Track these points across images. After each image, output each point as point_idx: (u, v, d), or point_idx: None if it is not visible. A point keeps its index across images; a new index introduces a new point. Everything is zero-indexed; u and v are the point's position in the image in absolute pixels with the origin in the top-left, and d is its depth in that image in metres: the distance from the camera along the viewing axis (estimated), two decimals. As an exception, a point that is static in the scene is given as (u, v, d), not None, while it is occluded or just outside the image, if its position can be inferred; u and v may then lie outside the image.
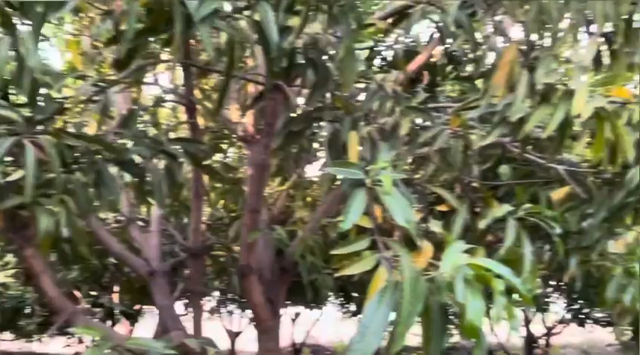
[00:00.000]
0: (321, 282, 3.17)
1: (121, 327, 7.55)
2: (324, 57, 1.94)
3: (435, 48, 3.29)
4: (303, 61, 1.94)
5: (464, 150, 2.05)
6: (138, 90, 2.95)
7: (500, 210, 2.00)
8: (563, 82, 1.71)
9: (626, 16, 1.77)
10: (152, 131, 3.66)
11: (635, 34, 1.82)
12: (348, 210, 1.66)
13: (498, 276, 1.59)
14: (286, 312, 11.04)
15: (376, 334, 1.47)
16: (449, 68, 3.76)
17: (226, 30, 1.65)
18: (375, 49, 3.93)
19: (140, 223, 4.28)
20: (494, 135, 1.84)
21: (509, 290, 1.72)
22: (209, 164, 2.79)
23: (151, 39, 1.97)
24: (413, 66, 3.19)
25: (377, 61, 4.03)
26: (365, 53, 4.07)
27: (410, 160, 3.45)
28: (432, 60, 3.68)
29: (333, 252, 1.77)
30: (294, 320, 11.33)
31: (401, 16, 2.35)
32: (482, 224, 1.99)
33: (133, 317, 6.71)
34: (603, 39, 1.96)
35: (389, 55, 3.96)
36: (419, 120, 2.43)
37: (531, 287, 2.04)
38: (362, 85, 3.19)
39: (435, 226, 1.68)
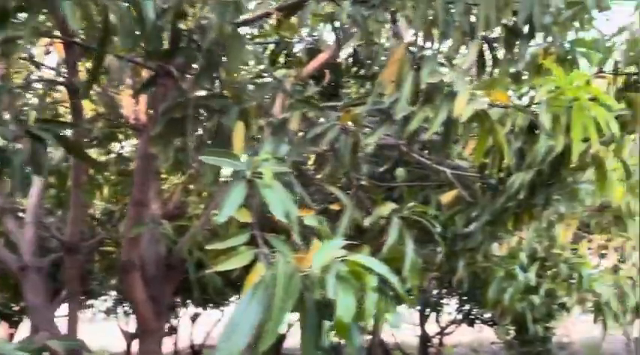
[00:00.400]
0: (209, 280, 3.04)
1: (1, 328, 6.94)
2: (212, 42, 1.84)
3: (337, 47, 3.28)
4: (189, 45, 1.83)
5: (353, 149, 2.02)
6: (8, 66, 2.67)
7: (385, 208, 1.99)
8: (448, 84, 1.73)
9: (508, 23, 1.84)
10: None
11: (515, 42, 1.90)
12: (224, 202, 1.57)
13: (374, 273, 1.56)
14: (186, 313, 10.73)
15: (244, 333, 1.39)
16: (353, 68, 3.78)
17: (98, 4, 1.51)
18: (279, 44, 3.87)
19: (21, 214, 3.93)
20: (380, 133, 1.82)
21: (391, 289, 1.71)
22: (84, 151, 2.58)
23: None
24: (314, 64, 3.15)
25: (282, 59, 3.97)
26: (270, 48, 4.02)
27: (312, 158, 3.43)
28: (339, 60, 3.69)
29: (209, 246, 1.67)
30: (193, 321, 11.01)
31: (296, 8, 2.29)
32: (366, 222, 1.97)
33: (10, 318, 6.16)
34: (486, 44, 2.01)
35: (296, 51, 3.92)
36: (314, 117, 2.38)
37: (412, 285, 2.04)
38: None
39: (312, 221, 1.62)
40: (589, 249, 4.46)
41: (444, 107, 1.64)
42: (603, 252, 4.58)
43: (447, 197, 3.11)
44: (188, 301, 8.54)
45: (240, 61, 1.84)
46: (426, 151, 3.34)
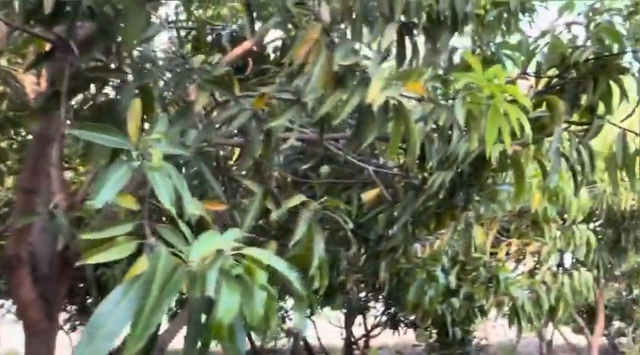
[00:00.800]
0: (110, 277, 2.77)
1: None
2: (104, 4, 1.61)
3: (262, 35, 3.10)
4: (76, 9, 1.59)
5: (266, 137, 1.85)
6: None
7: (294, 200, 1.82)
8: (363, 68, 1.60)
9: (429, 11, 1.74)
10: None
11: (436, 31, 1.80)
12: (100, 185, 1.35)
13: (272, 270, 1.39)
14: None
15: (109, 336, 1.18)
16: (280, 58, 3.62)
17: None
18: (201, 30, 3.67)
19: None
20: (287, 117, 1.66)
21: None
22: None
23: None
24: (237, 51, 2.96)
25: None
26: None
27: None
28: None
29: (84, 236, 1.44)
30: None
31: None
32: (274, 215, 1.80)
33: None
34: (406, 31, 1.90)
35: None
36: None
37: (321, 285, 1.89)
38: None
39: (196, 209, 1.43)
40: (507, 253, 4.51)
41: (357, 92, 1.50)
42: (520, 257, 4.64)
43: (368, 195, 3.00)
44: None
45: (138, 30, 1.62)
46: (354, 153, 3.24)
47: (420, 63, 2.00)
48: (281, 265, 1.40)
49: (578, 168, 2.41)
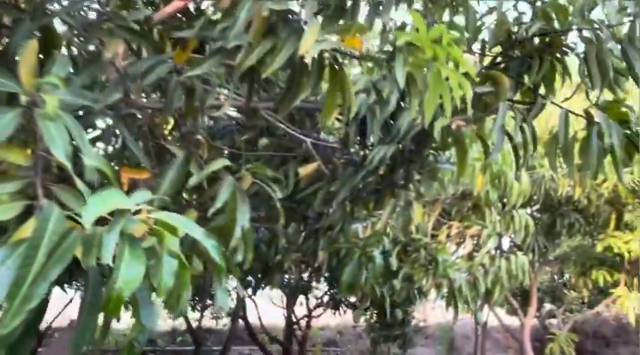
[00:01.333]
0: None
1: None
2: None
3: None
4: None
5: (188, 94, 1.67)
6: None
7: (217, 164, 1.66)
8: (297, 18, 1.44)
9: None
10: None
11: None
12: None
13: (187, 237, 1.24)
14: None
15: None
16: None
17: None
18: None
19: None
20: (209, 65, 1.49)
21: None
22: None
23: None
24: (168, 9, 2.73)
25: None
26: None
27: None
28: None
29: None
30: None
31: None
32: (193, 180, 1.64)
33: None
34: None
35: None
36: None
37: (246, 259, 1.74)
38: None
39: (94, 162, 1.25)
40: (448, 236, 4.51)
41: (289, 42, 1.35)
42: (461, 239, 4.65)
43: (305, 170, 2.86)
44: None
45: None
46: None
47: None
48: (196, 231, 1.24)
49: (521, 146, 2.35)
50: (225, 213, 1.63)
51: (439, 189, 4.90)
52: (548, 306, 12.29)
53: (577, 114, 2.43)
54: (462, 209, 4.91)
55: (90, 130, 2.03)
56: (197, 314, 10.93)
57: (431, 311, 15.44)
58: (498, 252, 4.62)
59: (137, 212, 1.19)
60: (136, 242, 1.11)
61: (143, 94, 2.55)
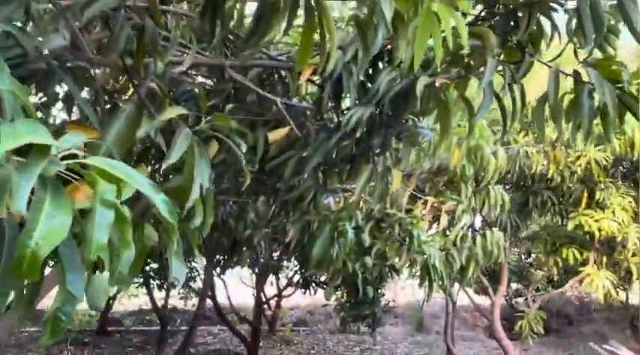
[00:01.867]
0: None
1: None
2: None
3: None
4: None
5: (139, 34, 1.43)
6: None
7: (169, 112, 1.42)
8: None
9: None
10: None
11: None
12: None
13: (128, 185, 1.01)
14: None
15: None
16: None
17: None
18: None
19: None
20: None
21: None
22: None
23: None
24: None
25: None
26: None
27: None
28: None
29: None
30: None
31: None
32: (141, 131, 1.40)
33: None
34: None
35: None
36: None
37: (206, 225, 1.52)
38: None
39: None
40: (423, 211, 4.36)
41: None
42: (436, 214, 4.51)
43: (275, 135, 2.64)
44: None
45: None
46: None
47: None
48: (141, 181, 1.01)
49: (509, 106, 2.18)
50: (182, 173, 1.40)
51: (415, 162, 4.75)
52: (514, 286, 12.44)
53: (566, 74, 2.27)
54: (436, 184, 4.77)
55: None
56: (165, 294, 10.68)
57: (400, 291, 15.51)
58: (471, 229, 4.49)
59: (67, 157, 0.96)
60: (60, 188, 0.88)
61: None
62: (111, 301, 11.33)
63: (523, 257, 13.11)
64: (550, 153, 5.47)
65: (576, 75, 2.25)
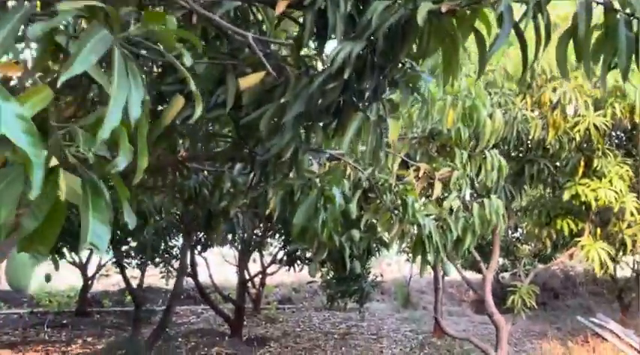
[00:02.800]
0: None
1: None
2: None
3: None
4: None
5: None
6: None
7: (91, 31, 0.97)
8: None
9: None
10: None
11: None
12: None
13: None
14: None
15: None
16: None
17: None
18: None
19: None
20: None
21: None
22: None
23: None
24: None
25: None
26: None
27: None
28: None
29: None
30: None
31: None
32: (32, 31, 0.97)
33: None
34: None
35: None
36: None
37: (127, 160, 1.08)
38: None
39: None
40: (416, 178, 3.97)
41: None
42: (429, 182, 4.11)
43: (248, 81, 2.20)
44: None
45: None
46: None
47: None
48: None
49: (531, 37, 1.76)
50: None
51: (406, 126, 4.34)
52: (500, 260, 12.22)
53: (597, 1, 1.85)
54: (429, 150, 4.37)
55: None
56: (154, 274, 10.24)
57: (386, 267, 15.26)
58: (466, 197, 4.11)
59: None
60: None
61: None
62: (89, 281, 10.89)
63: (510, 231, 12.90)
64: (550, 117, 5.09)
65: (608, 3, 1.83)
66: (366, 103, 2.07)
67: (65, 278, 12.35)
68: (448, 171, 4.10)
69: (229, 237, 8.82)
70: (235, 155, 3.32)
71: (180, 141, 3.63)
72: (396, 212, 3.58)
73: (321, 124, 2.30)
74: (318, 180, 2.90)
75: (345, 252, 4.12)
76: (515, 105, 5.08)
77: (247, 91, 2.26)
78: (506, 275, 13.31)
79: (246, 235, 7.58)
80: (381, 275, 10.50)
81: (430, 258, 3.50)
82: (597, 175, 5.90)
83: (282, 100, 2.06)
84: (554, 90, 5.10)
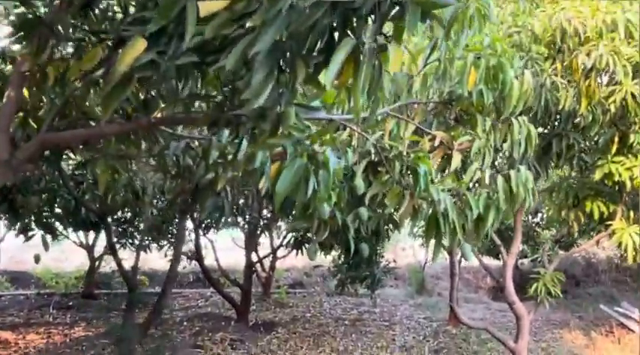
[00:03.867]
0: None
1: None
2: None
3: None
4: None
5: None
6: None
7: None
8: None
9: None
10: None
11: None
12: None
13: None
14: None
15: None
16: None
17: None
18: None
19: None
20: None
21: None
22: None
23: None
24: None
25: None
26: None
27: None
28: None
29: None
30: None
31: None
32: None
33: None
34: None
35: None
36: None
37: None
38: None
39: None
40: (431, 149, 3.41)
41: None
42: (446, 154, 3.55)
43: (209, 6, 1.67)
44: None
45: None
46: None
47: None
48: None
49: None
50: None
51: (420, 89, 3.77)
52: (520, 246, 11.58)
53: None
54: (447, 117, 3.80)
55: None
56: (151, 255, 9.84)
57: (401, 252, 14.68)
58: (487, 172, 3.53)
59: None
60: None
61: None
62: (96, 263, 10.55)
63: (530, 216, 12.22)
64: (582, 84, 4.45)
65: None
66: (363, 23, 1.52)
67: (74, 261, 12.07)
68: (468, 142, 3.54)
69: (237, 219, 8.36)
70: (219, 117, 2.80)
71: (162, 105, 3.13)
72: (407, 185, 3.04)
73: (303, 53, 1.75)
74: (309, 141, 2.36)
75: (348, 231, 3.60)
76: (544, 71, 4.46)
77: (212, 24, 1.73)
78: (526, 261, 12.68)
79: (251, 217, 7.09)
80: (394, 261, 9.97)
81: (446, 240, 2.96)
82: (633, 152, 5.26)
83: (249, 24, 1.52)
84: (589, 54, 4.46)
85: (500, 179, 3.29)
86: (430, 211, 3.11)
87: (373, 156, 3.39)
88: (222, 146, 3.23)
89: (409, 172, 2.94)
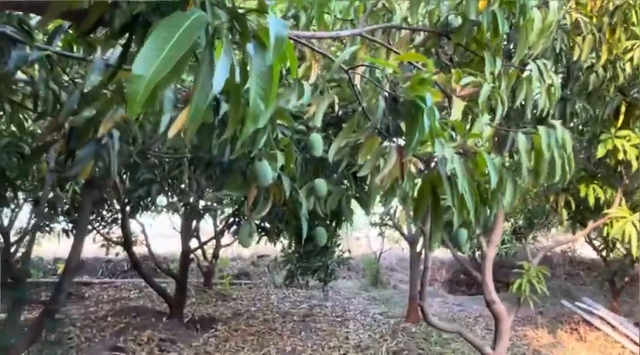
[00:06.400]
0: None
1: None
2: None
3: None
4: None
5: None
6: None
7: None
8: None
9: None
10: None
11: None
12: None
13: None
14: None
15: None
16: None
17: None
18: None
19: None
20: None
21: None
22: None
23: None
24: None
25: None
26: None
27: None
28: None
29: None
30: None
31: None
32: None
33: None
34: None
35: None
36: None
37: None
38: None
39: None
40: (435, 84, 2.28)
41: None
42: (445, 101, 2.42)
43: None
44: None
45: None
46: None
47: None
48: None
49: None
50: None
51: (410, 11, 2.62)
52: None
53: None
54: (440, 55, 2.68)
55: None
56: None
57: (354, 242, 13.65)
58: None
59: None
60: None
61: None
62: (12, 249, 8.97)
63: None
64: (605, 28, 3.43)
65: None
66: None
67: (60, 247, 10.41)
68: (473, 86, 2.43)
69: (171, 199, 7.04)
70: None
71: None
72: (394, 131, 1.90)
73: None
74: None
75: (300, 208, 2.44)
76: (570, 12, 3.38)
77: None
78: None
79: (183, 195, 5.81)
80: (349, 251, 8.93)
81: (455, 217, 1.84)
82: (639, 126, 4.35)
83: None
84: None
85: (521, 137, 2.20)
86: (426, 174, 1.98)
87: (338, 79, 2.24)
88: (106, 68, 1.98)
89: (402, 106, 1.79)
